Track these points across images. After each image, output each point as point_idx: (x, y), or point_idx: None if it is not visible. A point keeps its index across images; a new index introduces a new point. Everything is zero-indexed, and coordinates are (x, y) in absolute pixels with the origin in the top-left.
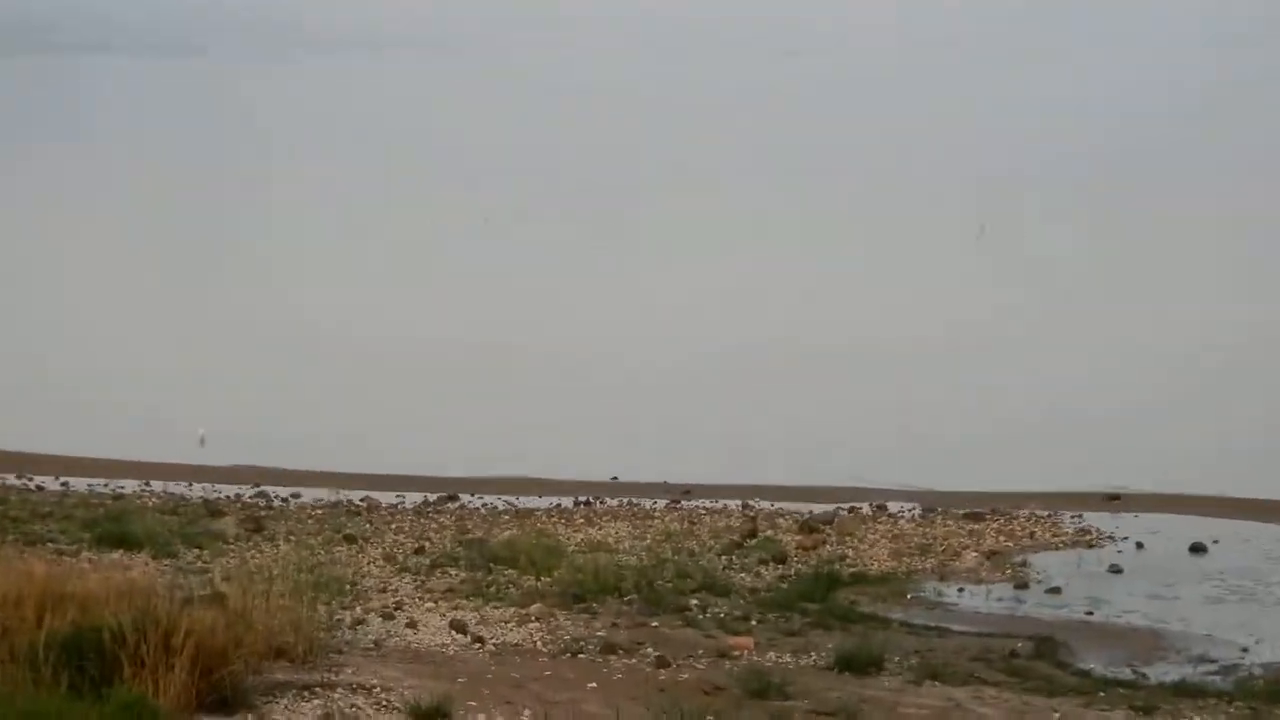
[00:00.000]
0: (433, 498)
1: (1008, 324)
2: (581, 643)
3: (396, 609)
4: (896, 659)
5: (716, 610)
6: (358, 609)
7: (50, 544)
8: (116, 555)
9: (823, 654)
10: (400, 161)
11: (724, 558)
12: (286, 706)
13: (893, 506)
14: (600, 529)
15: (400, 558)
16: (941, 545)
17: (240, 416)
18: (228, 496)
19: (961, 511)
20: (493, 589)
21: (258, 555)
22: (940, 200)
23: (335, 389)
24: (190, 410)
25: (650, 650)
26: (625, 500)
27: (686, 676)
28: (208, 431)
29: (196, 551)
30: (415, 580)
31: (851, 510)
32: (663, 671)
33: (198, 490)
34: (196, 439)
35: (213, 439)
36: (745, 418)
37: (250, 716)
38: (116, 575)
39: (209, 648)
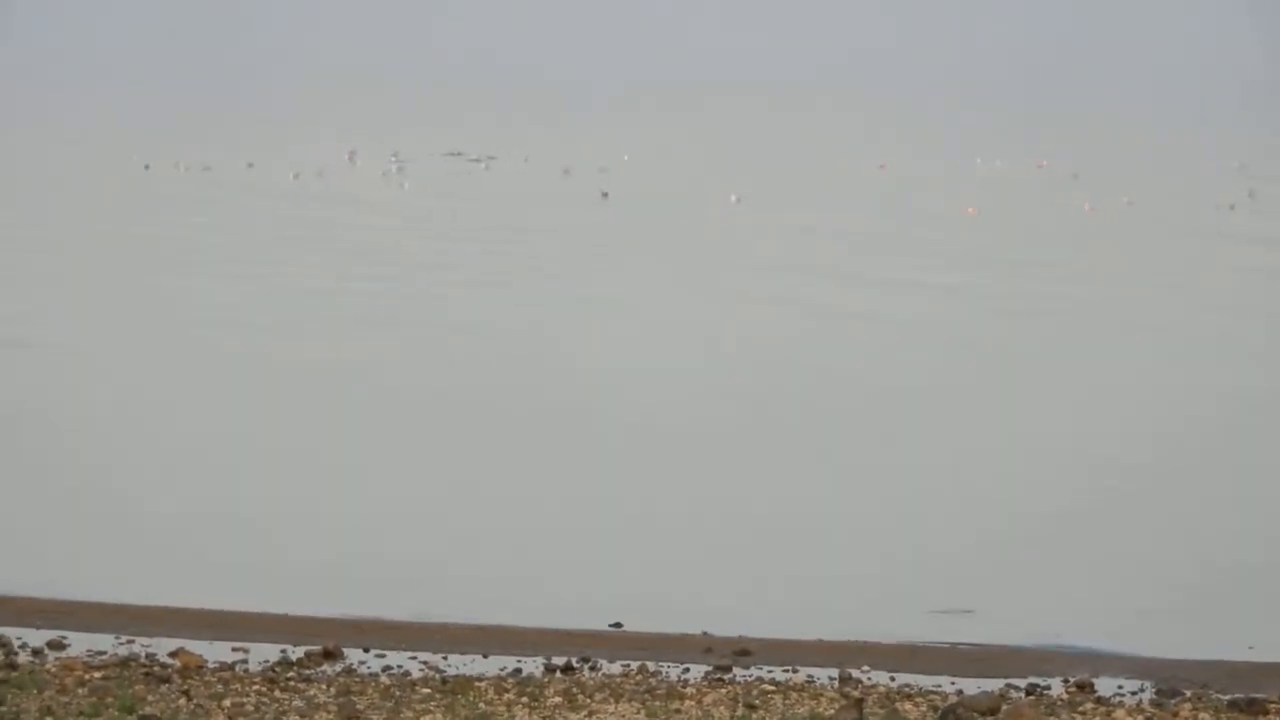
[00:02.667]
0: (297, 653)
1: None
2: None
3: None
4: None
5: None
6: None
7: None
8: None
9: None
10: None
11: None
12: None
13: (1104, 685)
14: (590, 714)
15: None
16: None
17: None
18: None
19: (1226, 698)
20: None
21: None
22: None
23: (128, 468)
24: None
25: None
26: (635, 664)
27: None
28: None
29: None
30: None
31: (1033, 691)
32: None
33: None
34: None
35: None
36: (842, 519)
37: None
38: None
39: None
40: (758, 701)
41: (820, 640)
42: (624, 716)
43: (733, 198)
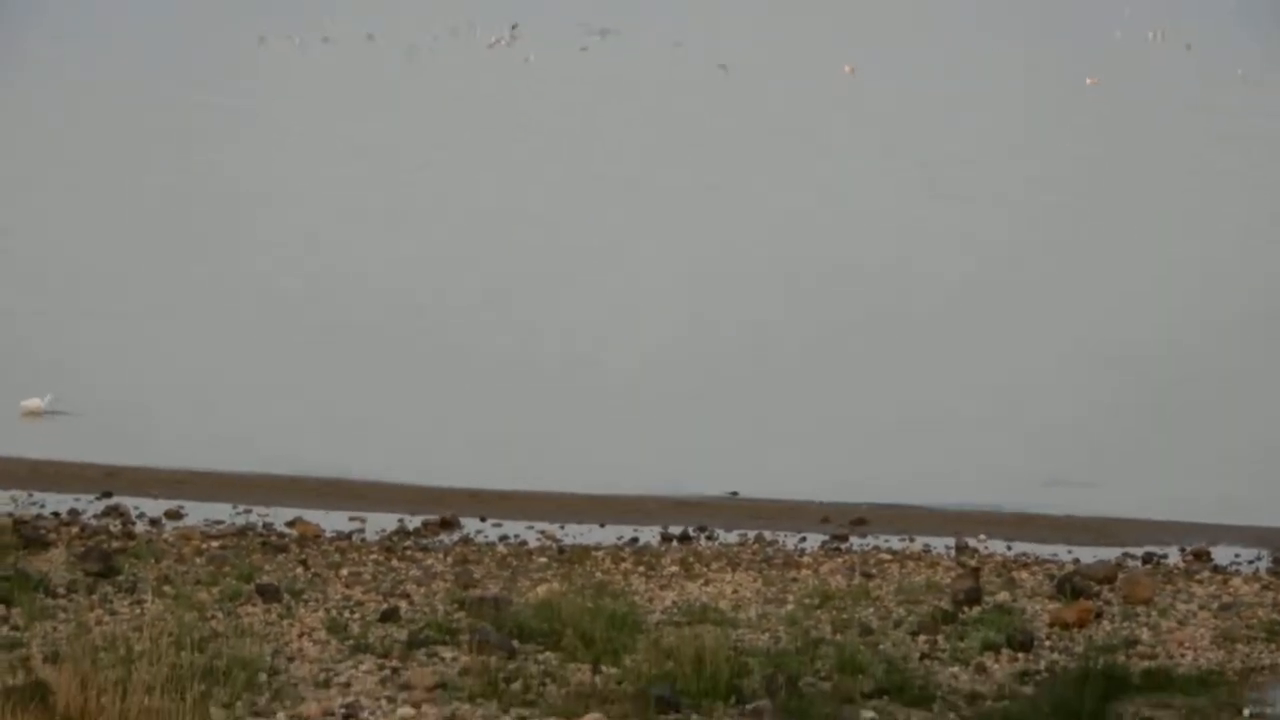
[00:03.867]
0: (414, 523)
1: None
2: None
3: (348, 718)
4: None
5: None
6: (280, 715)
7: None
8: None
9: None
10: None
11: (922, 639)
12: None
13: (1220, 554)
14: (707, 583)
15: (356, 627)
16: None
17: (85, 374)
18: (56, 514)
19: None
20: (518, 686)
21: (108, 619)
22: None
23: (251, 341)
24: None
25: None
26: (752, 534)
27: None
28: (52, 398)
29: (1, 610)
30: (381, 667)
31: (1149, 560)
32: None
33: (2, 501)
34: (21, 409)
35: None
36: (960, 392)
37: None
38: None
39: None
40: (874, 570)
41: (937, 509)
42: (741, 585)
43: (846, 69)
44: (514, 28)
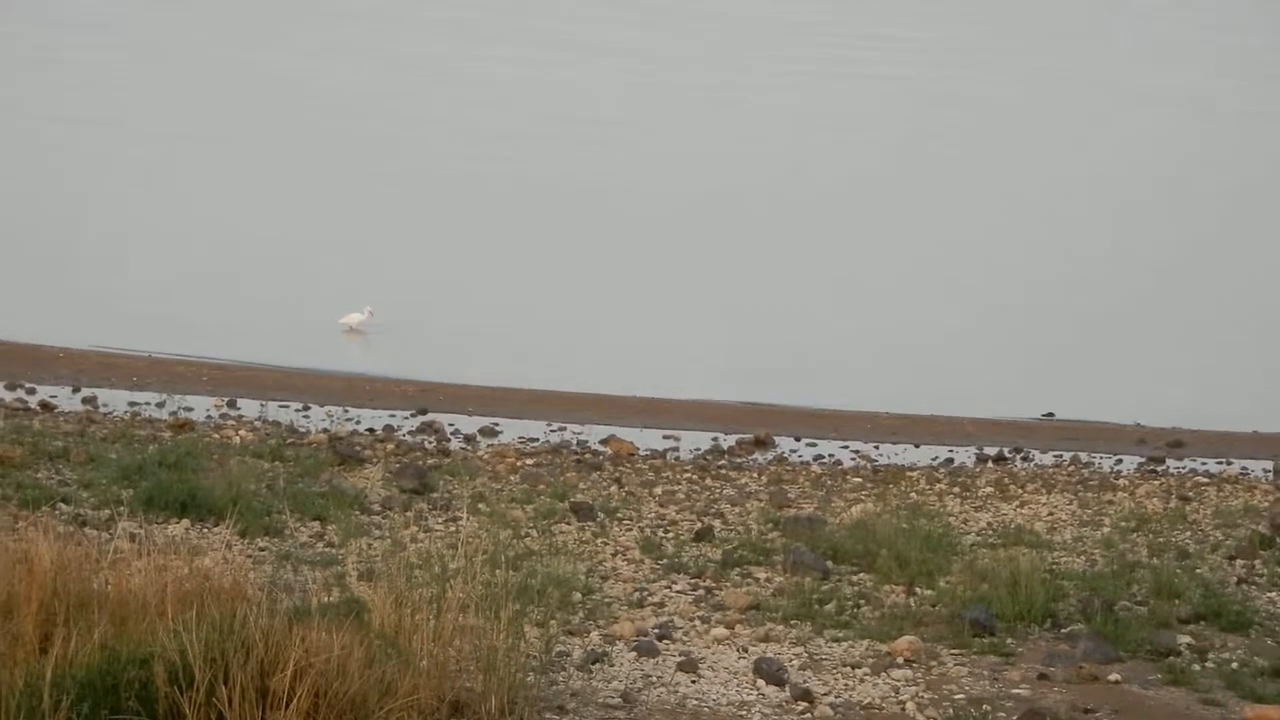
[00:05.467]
0: (728, 440)
1: None
2: (986, 708)
3: (662, 638)
4: None
5: (1226, 657)
6: (594, 635)
7: (65, 507)
8: (178, 528)
9: None
10: None
11: (1239, 563)
12: None
13: None
14: (1022, 505)
15: (669, 546)
16: None
17: (390, 287)
18: (371, 430)
19: None
20: (832, 608)
21: (422, 536)
22: None
23: (561, 245)
24: (301, 273)
25: None
26: (1067, 455)
27: None
28: (370, 313)
29: (316, 526)
30: (694, 587)
31: None
32: None
33: (318, 417)
34: (341, 324)
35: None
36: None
37: None
38: (177, 565)
39: (336, 696)
40: (1191, 494)
41: (1254, 432)
42: (1056, 508)
43: None
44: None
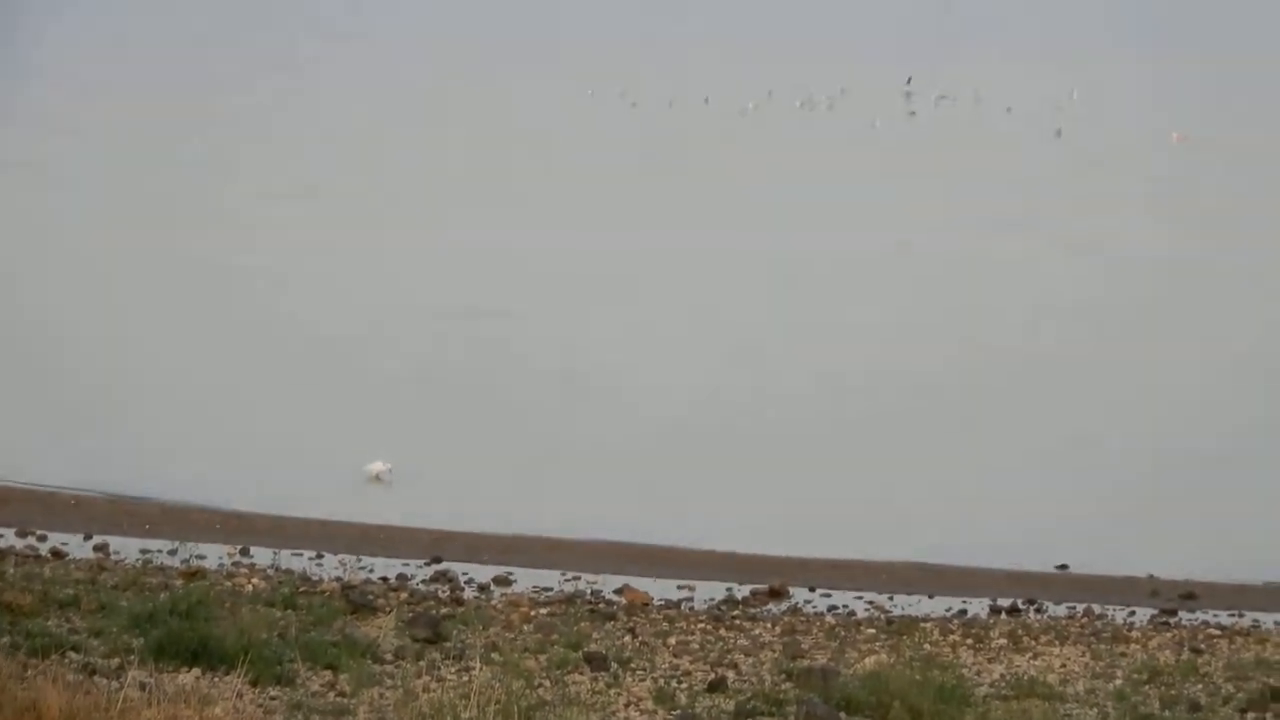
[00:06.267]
0: (742, 591)
1: None
2: None
3: None
4: None
5: None
6: None
7: (74, 655)
8: (188, 677)
9: None
10: None
11: (1251, 716)
12: None
13: None
14: (1035, 657)
15: (683, 697)
16: None
17: (407, 439)
18: (384, 579)
19: None
20: None
21: (435, 686)
22: None
23: (581, 416)
24: (321, 428)
25: None
26: (1080, 607)
27: None
28: (387, 468)
29: (328, 675)
30: None
31: None
32: None
33: (331, 565)
34: (363, 474)
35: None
36: None
37: None
38: (187, 715)
39: None
40: (1203, 646)
41: (1268, 584)
42: (1069, 659)
43: (1174, 136)
44: (840, 92)
